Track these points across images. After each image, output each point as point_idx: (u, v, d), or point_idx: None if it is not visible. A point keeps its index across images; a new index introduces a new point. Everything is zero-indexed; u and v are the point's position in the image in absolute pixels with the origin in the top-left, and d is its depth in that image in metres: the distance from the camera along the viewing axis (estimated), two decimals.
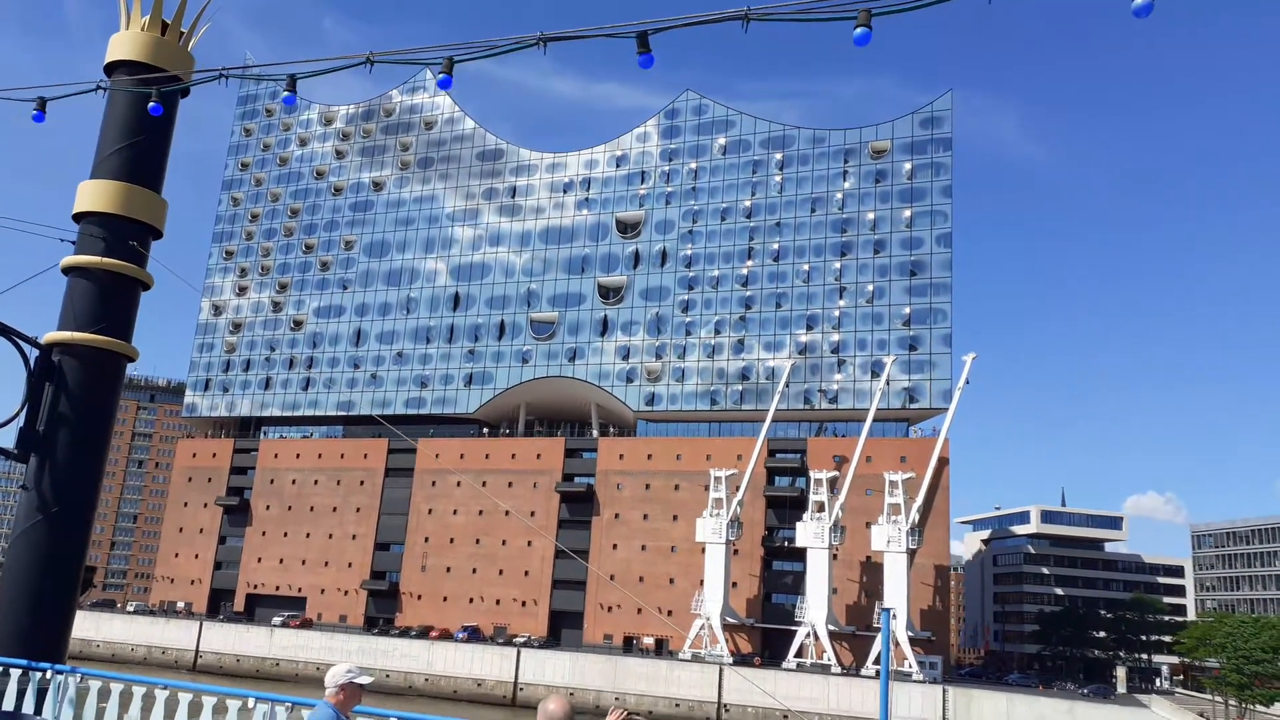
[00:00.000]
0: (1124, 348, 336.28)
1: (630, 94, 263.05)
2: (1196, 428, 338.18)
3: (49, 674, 11.67)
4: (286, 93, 11.80)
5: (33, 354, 14.10)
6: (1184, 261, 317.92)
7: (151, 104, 13.24)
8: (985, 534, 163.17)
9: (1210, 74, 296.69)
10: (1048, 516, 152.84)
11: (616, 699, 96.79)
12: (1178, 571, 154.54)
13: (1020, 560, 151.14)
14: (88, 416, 14.15)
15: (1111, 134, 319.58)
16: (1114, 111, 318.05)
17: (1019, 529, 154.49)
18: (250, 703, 10.41)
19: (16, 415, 13.85)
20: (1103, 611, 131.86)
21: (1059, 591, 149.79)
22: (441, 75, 10.62)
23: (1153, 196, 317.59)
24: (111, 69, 15.25)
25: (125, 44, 15.20)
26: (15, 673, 11.78)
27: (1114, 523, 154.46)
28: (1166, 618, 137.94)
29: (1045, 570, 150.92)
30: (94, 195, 14.68)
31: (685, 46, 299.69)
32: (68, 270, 14.56)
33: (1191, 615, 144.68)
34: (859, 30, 8.59)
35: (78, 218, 14.83)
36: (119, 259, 14.45)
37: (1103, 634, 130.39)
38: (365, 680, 7.24)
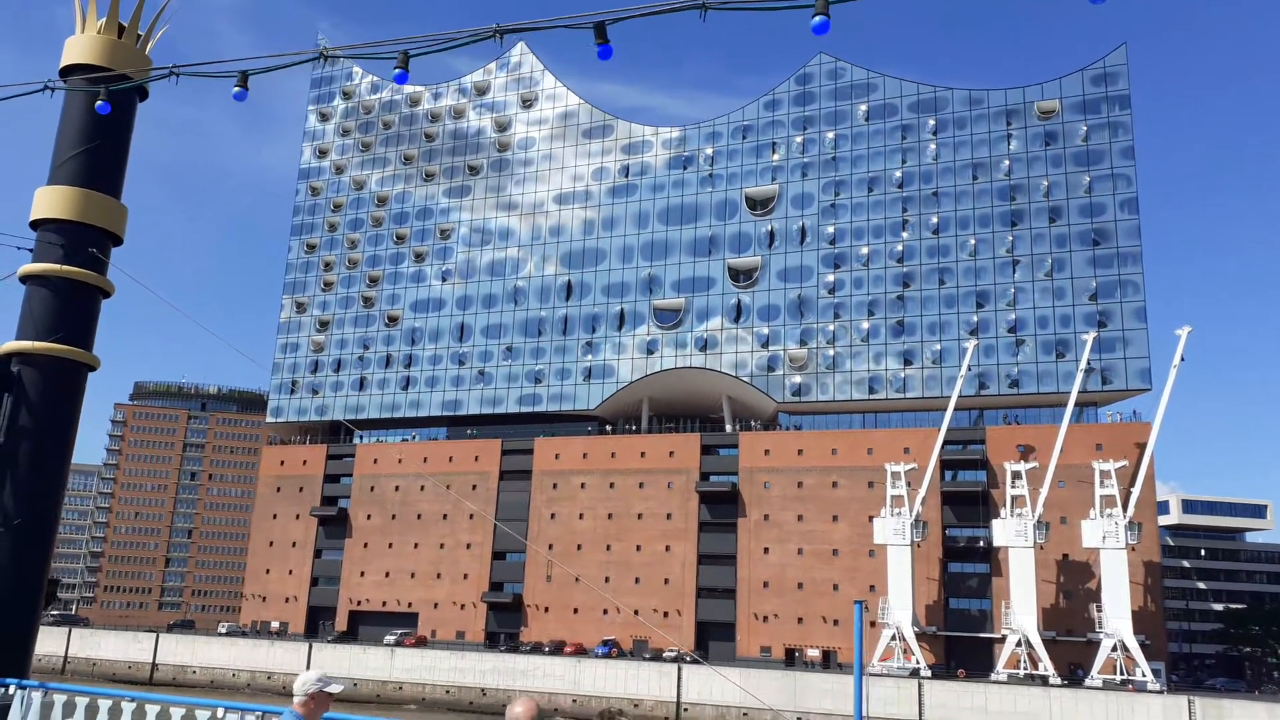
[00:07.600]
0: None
1: (629, 93, 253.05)
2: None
3: (12, 689, 11.55)
4: (237, 89, 11.33)
5: None
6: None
7: (99, 103, 12.59)
8: None
9: None
10: (1189, 506, 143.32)
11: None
12: None
13: (1162, 553, 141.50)
14: (49, 427, 13.85)
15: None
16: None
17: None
18: (220, 713, 10.29)
19: None
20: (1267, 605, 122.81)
21: (1200, 585, 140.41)
22: (397, 70, 10.27)
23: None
24: (66, 73, 14.63)
25: (79, 47, 14.69)
26: None
27: (1258, 511, 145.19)
28: None
29: (1186, 563, 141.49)
30: (51, 202, 14.27)
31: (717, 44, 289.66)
32: (25, 279, 14.16)
33: None
34: (817, 19, 8.14)
35: (35, 225, 14.40)
36: (78, 266, 14.09)
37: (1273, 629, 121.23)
38: (335, 689, 6.94)
